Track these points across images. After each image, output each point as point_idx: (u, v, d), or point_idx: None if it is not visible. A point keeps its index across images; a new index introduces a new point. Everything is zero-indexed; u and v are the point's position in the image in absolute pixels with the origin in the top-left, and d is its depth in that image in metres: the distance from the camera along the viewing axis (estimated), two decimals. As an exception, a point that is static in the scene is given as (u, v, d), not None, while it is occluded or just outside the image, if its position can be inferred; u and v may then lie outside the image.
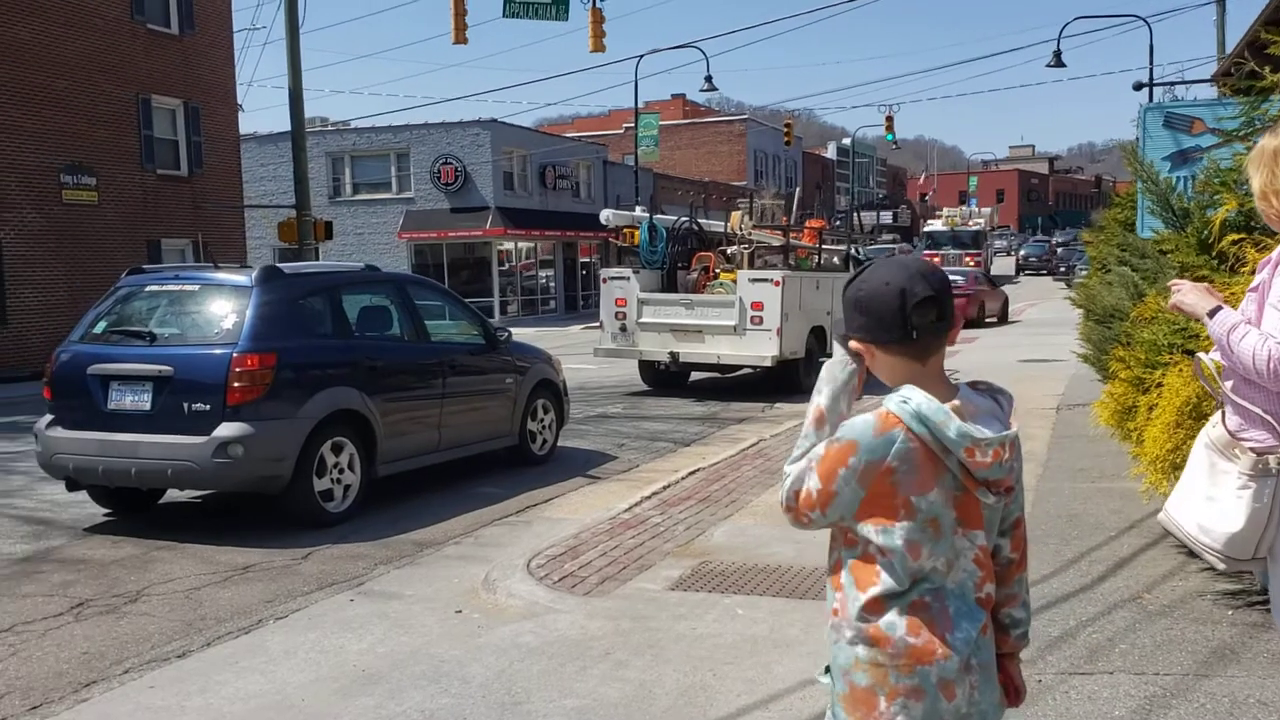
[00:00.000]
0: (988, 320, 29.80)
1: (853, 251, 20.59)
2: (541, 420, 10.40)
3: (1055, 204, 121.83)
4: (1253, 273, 3.05)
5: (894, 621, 2.12)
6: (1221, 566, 3.10)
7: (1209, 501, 2.99)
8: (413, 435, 8.74)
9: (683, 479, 9.04)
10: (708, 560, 6.61)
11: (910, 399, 2.10)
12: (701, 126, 68.58)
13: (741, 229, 17.48)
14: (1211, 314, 2.95)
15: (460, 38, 24.09)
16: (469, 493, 9.09)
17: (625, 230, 18.06)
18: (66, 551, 7.54)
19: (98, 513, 8.53)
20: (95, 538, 7.90)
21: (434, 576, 6.61)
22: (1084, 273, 17.08)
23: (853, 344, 2.22)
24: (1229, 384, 2.99)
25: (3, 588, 6.66)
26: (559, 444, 10.81)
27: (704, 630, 5.36)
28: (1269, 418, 2.88)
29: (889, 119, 51.79)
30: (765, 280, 15.32)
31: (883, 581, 2.14)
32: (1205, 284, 3.09)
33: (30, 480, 9.75)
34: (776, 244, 17.53)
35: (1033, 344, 22.02)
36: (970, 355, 20.89)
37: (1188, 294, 3.04)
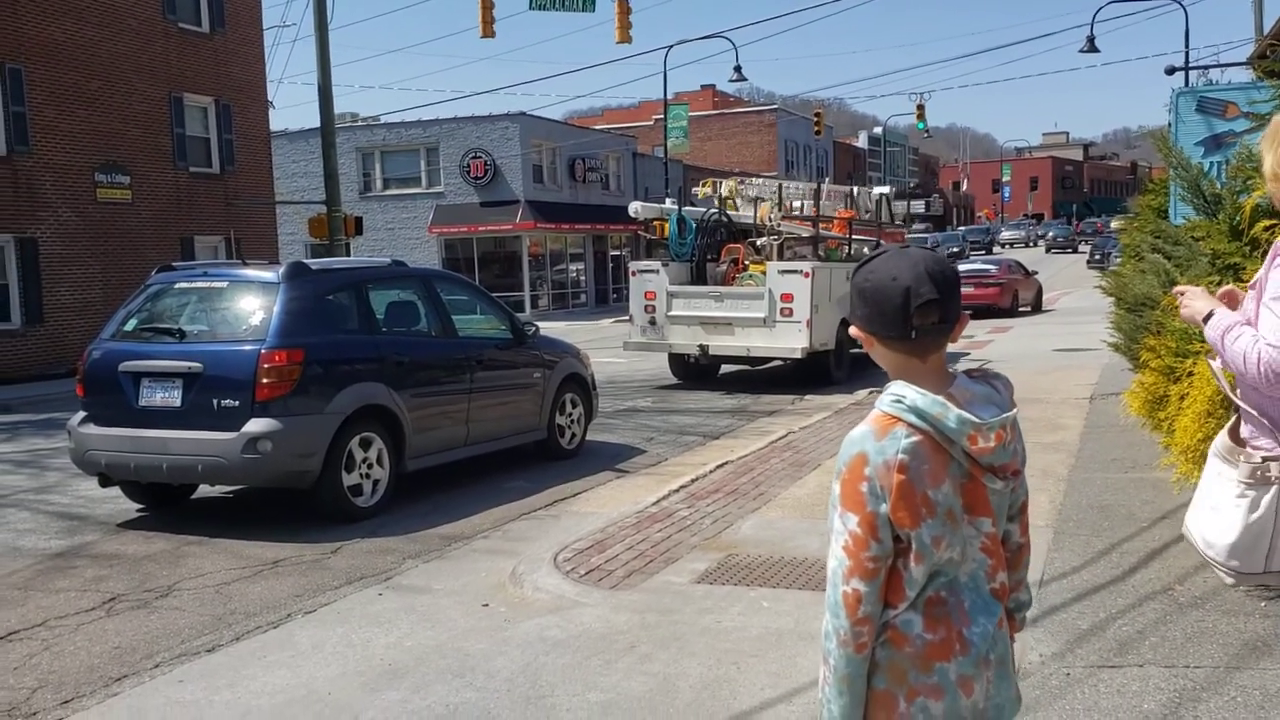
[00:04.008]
0: (1021, 309, 29.51)
1: (883, 242, 20.47)
2: (570, 414, 10.41)
3: (1090, 191, 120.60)
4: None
5: (911, 619, 2.09)
6: (1229, 581, 2.91)
7: (1213, 511, 2.84)
8: (441, 430, 8.77)
9: (710, 472, 9.02)
10: (734, 553, 6.59)
11: (904, 396, 2.07)
12: (731, 117, 68.36)
13: (771, 220, 17.40)
14: (1207, 318, 2.82)
15: (488, 31, 24.17)
16: (497, 487, 9.12)
17: (654, 223, 18.04)
18: (99, 547, 7.63)
19: (130, 508, 8.63)
20: (128, 533, 7.99)
21: (462, 570, 6.64)
22: (1118, 260, 16.91)
23: (853, 331, 2.20)
24: (1240, 390, 2.84)
25: (37, 583, 6.75)
26: (587, 438, 10.82)
27: (729, 623, 5.35)
28: (1267, 423, 2.74)
29: (920, 107, 51.41)
30: (795, 272, 15.25)
31: (905, 588, 2.11)
32: (1201, 288, 2.97)
33: (64, 476, 9.88)
34: (806, 235, 17.46)
35: (1067, 333, 21.79)
36: (1004, 345, 20.74)
37: (1189, 300, 2.91)
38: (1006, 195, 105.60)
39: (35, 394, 17.60)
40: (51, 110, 21.56)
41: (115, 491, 8.61)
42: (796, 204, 18.63)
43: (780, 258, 16.20)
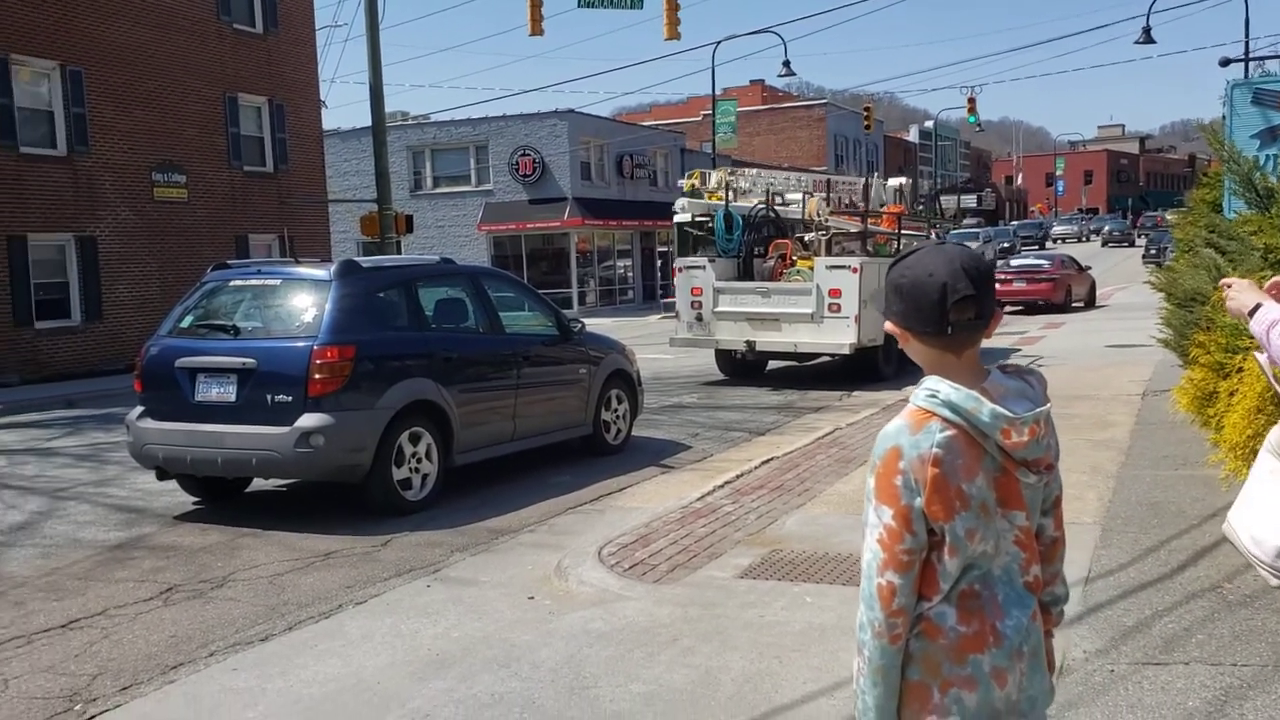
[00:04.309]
0: (1074, 305, 29.14)
1: (933, 237, 20.31)
2: (615, 410, 10.48)
3: (1146, 184, 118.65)
4: None
5: (944, 611, 2.12)
6: (1274, 583, 2.84)
7: (1263, 509, 2.77)
8: (488, 425, 8.88)
9: (756, 468, 9.04)
10: (778, 549, 6.62)
11: (938, 391, 2.10)
12: (780, 112, 68.07)
13: (819, 215, 17.34)
14: (1253, 311, 2.78)
15: (537, 30, 24.26)
16: (544, 482, 9.21)
17: (698, 219, 18.02)
18: (157, 538, 7.82)
19: (187, 501, 8.83)
20: (184, 525, 8.18)
21: (508, 563, 6.73)
22: (1173, 255, 16.65)
23: (888, 326, 2.23)
24: None
25: (97, 573, 6.94)
26: (633, 434, 10.88)
27: (772, 618, 5.38)
28: None
29: (971, 101, 50.91)
30: (843, 267, 15.19)
31: (939, 581, 2.14)
32: (1249, 280, 2.94)
33: (123, 470, 10.12)
34: (854, 230, 17.37)
35: (1120, 328, 21.49)
36: (1056, 340, 20.51)
37: (1236, 292, 2.86)
38: (1060, 189, 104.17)
39: (95, 389, 18.00)
40: (110, 111, 22.00)
41: (172, 485, 8.81)
42: (793, 196, 18.31)
43: (828, 253, 16.15)
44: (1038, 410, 2.12)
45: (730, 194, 18.12)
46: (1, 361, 19.46)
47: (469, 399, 8.62)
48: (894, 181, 21.27)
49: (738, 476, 8.71)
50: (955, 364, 2.14)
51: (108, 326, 21.76)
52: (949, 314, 2.08)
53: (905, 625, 2.10)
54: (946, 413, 2.07)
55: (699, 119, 59.00)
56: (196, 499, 8.85)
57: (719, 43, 36.78)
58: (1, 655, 5.44)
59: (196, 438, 7.94)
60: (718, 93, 41.51)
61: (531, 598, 5.97)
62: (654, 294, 43.67)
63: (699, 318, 15.98)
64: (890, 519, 2.08)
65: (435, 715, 4.46)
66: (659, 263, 44.35)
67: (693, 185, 22.06)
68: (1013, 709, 2.15)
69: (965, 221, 59.18)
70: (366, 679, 4.90)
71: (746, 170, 23.34)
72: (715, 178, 19.16)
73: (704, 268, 16.05)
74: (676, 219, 19.10)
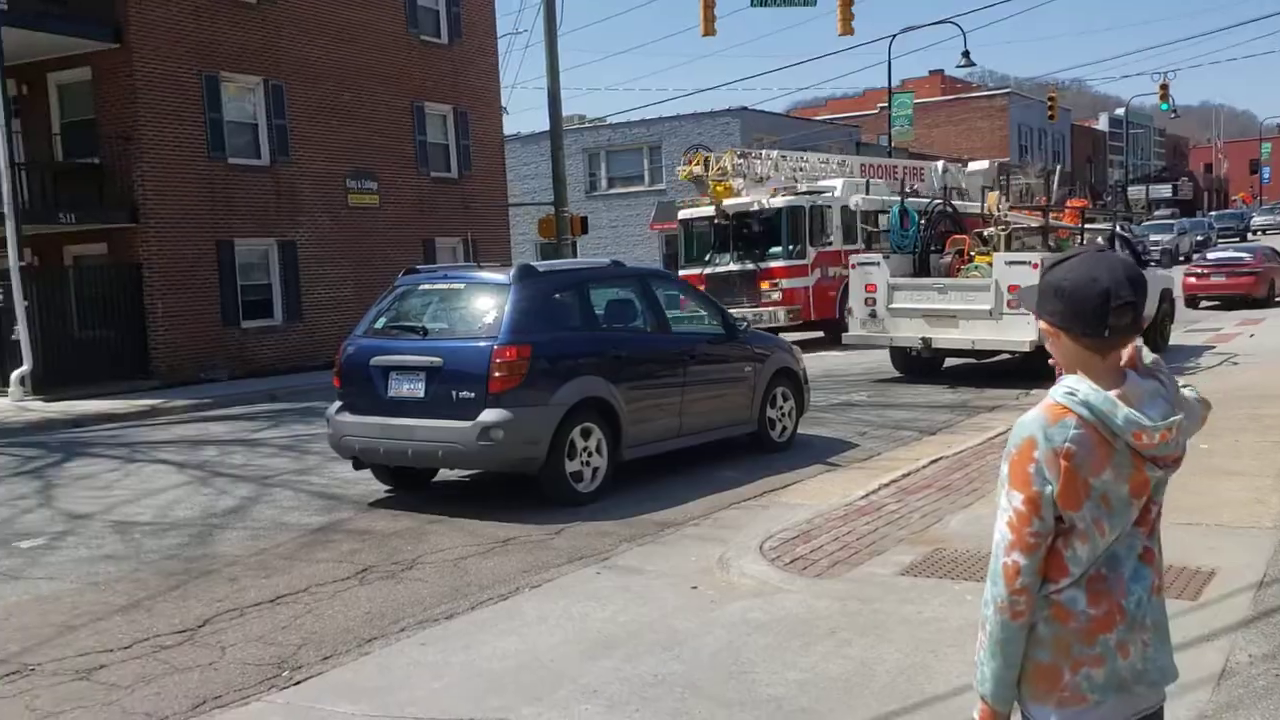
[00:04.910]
0: (1276, 300, 27.53)
1: (1119, 230, 19.62)
2: (781, 408, 10.65)
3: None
4: None
5: (1075, 596, 2.27)
6: None
7: None
8: (655, 421, 9.21)
9: (923, 467, 9.07)
10: (941, 547, 6.69)
11: (1077, 390, 2.25)
12: (960, 103, 66.35)
13: (998, 210, 17.02)
14: None
15: (709, 30, 24.50)
16: (710, 477, 9.48)
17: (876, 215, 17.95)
18: (353, 523, 8.46)
19: (380, 489, 9.48)
20: (378, 511, 8.81)
21: (673, 554, 7.03)
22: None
23: (1041, 325, 2.38)
24: None
25: (300, 554, 7.59)
26: (799, 431, 11.02)
27: (930, 614, 5.49)
28: None
29: (1163, 88, 48.45)
30: (1023, 263, 14.87)
31: (1067, 565, 2.29)
32: None
33: (323, 460, 10.90)
34: (1035, 225, 16.97)
35: (1326, 325, 20.25)
36: (1255, 339, 19.47)
37: None
38: (1265, 176, 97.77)
39: (296, 384, 19.23)
40: (307, 123, 23.41)
41: (366, 474, 9.47)
42: (828, 183, 17.55)
43: (1008, 249, 15.83)
44: (1171, 419, 2.24)
45: (742, 181, 17.48)
46: (212, 358, 21.00)
47: (637, 396, 8.97)
48: (975, 165, 20.31)
49: (904, 475, 8.76)
50: (1099, 365, 2.29)
51: (307, 325, 23.15)
52: (1109, 318, 2.23)
53: (1028, 604, 2.26)
54: (1084, 411, 2.22)
55: (875, 111, 58.20)
56: (389, 487, 9.48)
57: (895, 35, 36.30)
58: (218, 625, 6.07)
59: (389, 430, 8.55)
60: (896, 84, 40.90)
61: (694, 587, 6.24)
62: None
63: (873, 314, 15.88)
64: (1021, 504, 2.25)
65: (603, 691, 4.78)
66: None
67: (691, 173, 21.22)
68: (1140, 678, 2.28)
69: (1158, 213, 56.41)
70: (541, 656, 5.27)
71: (765, 153, 22.55)
72: (717, 165, 18.27)
73: (878, 264, 15.95)
74: (681, 216, 18.38)
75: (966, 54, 34.60)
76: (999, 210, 16.96)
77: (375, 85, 24.83)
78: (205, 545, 7.93)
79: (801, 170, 20.58)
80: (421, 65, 26.15)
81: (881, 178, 23.37)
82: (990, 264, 15.25)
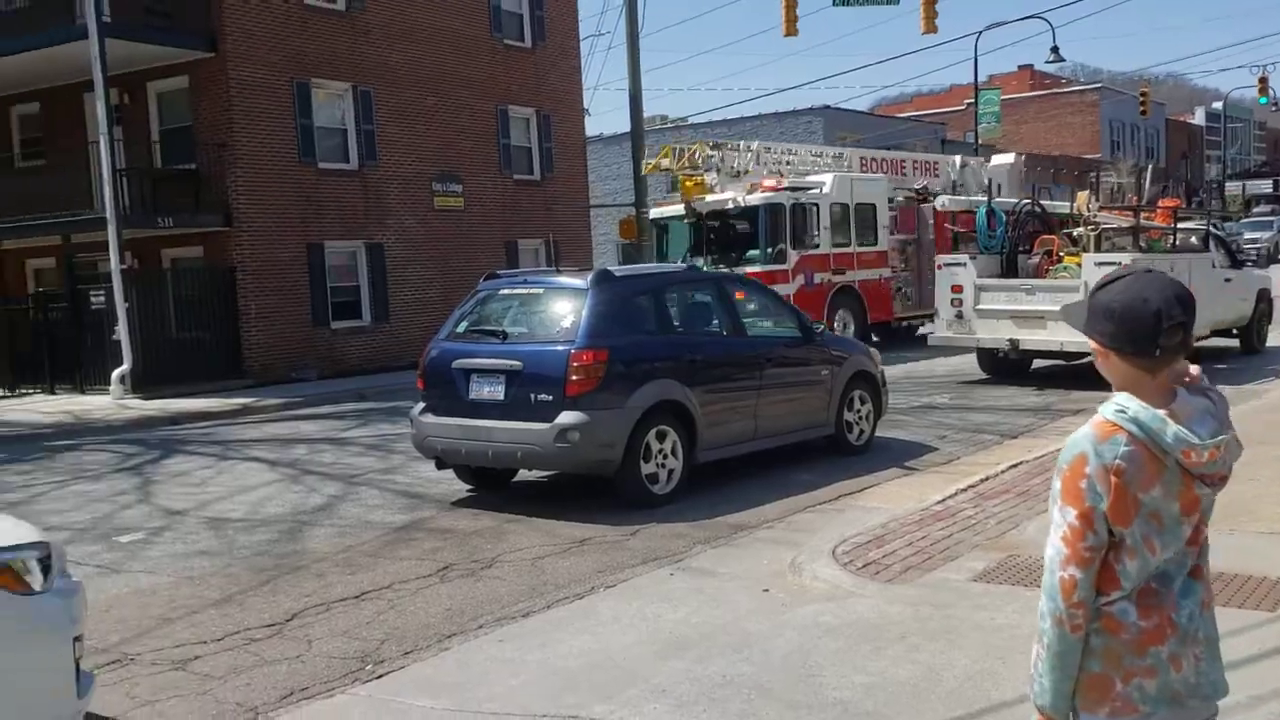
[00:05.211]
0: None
1: (1213, 228, 19.12)
2: (858, 411, 10.63)
3: None
4: None
5: (1126, 608, 2.32)
6: None
7: None
8: (730, 424, 9.28)
9: (1002, 472, 8.99)
10: (1016, 554, 6.65)
11: (1127, 408, 2.29)
12: (1050, 98, 65.05)
13: (1088, 210, 16.74)
14: None
15: (791, 30, 24.48)
16: (785, 480, 9.51)
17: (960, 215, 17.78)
18: (435, 522, 8.68)
19: (461, 489, 9.70)
20: (459, 510, 9.03)
21: (746, 557, 7.11)
22: None
23: (1091, 344, 2.42)
24: None
25: (384, 551, 7.83)
26: (878, 434, 10.97)
27: (1002, 621, 5.49)
28: None
29: (1262, 80, 46.97)
30: (1113, 263, 14.60)
31: (1119, 579, 2.34)
32: None
33: (406, 459, 11.17)
34: (1126, 225, 16.64)
35: None
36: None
37: None
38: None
39: (383, 384, 19.65)
40: (394, 127, 23.89)
41: (448, 474, 9.69)
42: (816, 178, 16.87)
43: (1098, 249, 15.55)
44: (1220, 438, 2.28)
45: (716, 176, 16.92)
46: (302, 358, 21.57)
47: (712, 399, 9.05)
48: (999, 159, 19.57)
49: (982, 480, 8.70)
50: (1149, 384, 2.33)
51: (393, 326, 23.63)
52: (1160, 338, 2.27)
53: (1084, 617, 2.32)
54: (1134, 429, 2.27)
55: (962, 108, 57.32)
56: (470, 487, 9.70)
57: (982, 31, 35.76)
58: (306, 619, 6.32)
59: (470, 432, 8.76)
60: (983, 80, 40.33)
61: (766, 590, 6.31)
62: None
63: (959, 315, 15.69)
64: (1074, 519, 2.30)
65: (672, 691, 4.89)
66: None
67: (656, 167, 19.92)
68: (1194, 691, 2.33)
69: (1256, 210, 54.57)
70: (614, 655, 5.40)
71: (744, 144, 20.93)
72: (687, 156, 17.42)
73: (965, 264, 15.78)
74: (652, 215, 17.78)
75: (1055, 49, 33.99)
76: (1088, 210, 16.68)
77: (459, 89, 25.24)
78: (294, 542, 8.22)
79: (789, 164, 19.91)
80: (505, 69, 26.50)
81: (887, 172, 22.82)
82: (1079, 264, 15.00)
